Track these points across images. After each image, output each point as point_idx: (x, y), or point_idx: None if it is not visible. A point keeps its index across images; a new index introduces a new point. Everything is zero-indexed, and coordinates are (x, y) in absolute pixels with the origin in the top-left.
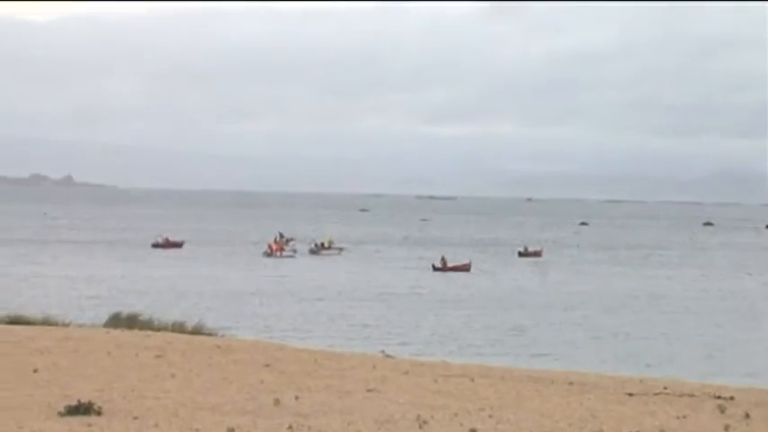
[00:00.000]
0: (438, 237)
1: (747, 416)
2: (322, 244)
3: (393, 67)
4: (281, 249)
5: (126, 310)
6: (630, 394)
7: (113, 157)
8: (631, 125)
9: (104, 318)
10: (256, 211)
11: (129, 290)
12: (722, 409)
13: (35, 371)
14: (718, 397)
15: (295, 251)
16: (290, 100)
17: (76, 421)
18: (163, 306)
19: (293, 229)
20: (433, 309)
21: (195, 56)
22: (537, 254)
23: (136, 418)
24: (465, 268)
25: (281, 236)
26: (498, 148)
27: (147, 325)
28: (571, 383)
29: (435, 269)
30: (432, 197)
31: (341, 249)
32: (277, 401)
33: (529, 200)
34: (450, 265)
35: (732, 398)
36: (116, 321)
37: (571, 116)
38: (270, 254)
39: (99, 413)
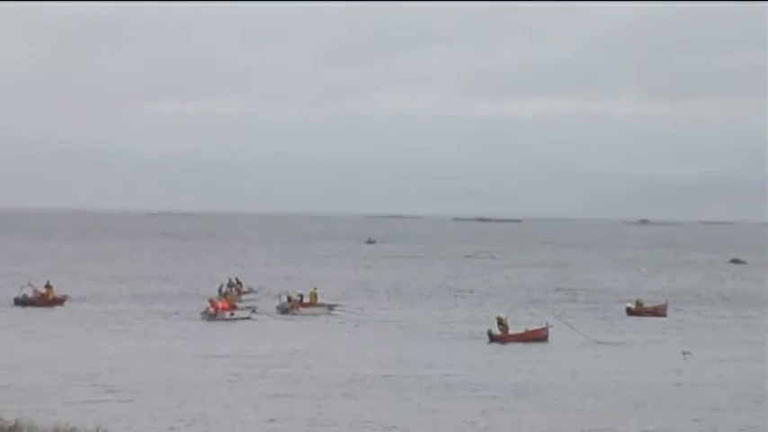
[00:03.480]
0: (492, 285)
1: None
2: (299, 298)
3: (431, 12)
4: (232, 307)
5: None
6: None
7: None
8: None
9: None
10: (197, 245)
11: None
12: None
13: None
14: None
15: (254, 310)
16: (266, 70)
17: None
18: (38, 404)
19: (254, 273)
20: (498, 409)
21: None
22: (657, 312)
23: None
24: (539, 335)
25: (234, 284)
26: (599, 139)
27: None
28: None
29: (492, 338)
30: (481, 219)
31: (331, 307)
32: None
33: (643, 222)
34: (513, 331)
35: None
36: None
37: (718, 85)
38: (213, 315)
39: None
